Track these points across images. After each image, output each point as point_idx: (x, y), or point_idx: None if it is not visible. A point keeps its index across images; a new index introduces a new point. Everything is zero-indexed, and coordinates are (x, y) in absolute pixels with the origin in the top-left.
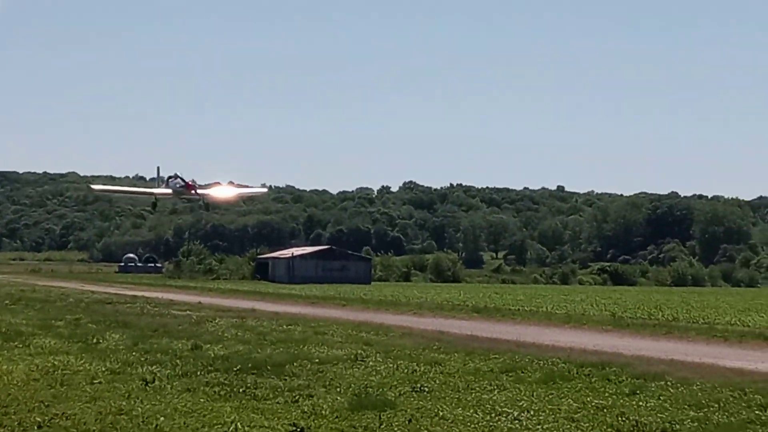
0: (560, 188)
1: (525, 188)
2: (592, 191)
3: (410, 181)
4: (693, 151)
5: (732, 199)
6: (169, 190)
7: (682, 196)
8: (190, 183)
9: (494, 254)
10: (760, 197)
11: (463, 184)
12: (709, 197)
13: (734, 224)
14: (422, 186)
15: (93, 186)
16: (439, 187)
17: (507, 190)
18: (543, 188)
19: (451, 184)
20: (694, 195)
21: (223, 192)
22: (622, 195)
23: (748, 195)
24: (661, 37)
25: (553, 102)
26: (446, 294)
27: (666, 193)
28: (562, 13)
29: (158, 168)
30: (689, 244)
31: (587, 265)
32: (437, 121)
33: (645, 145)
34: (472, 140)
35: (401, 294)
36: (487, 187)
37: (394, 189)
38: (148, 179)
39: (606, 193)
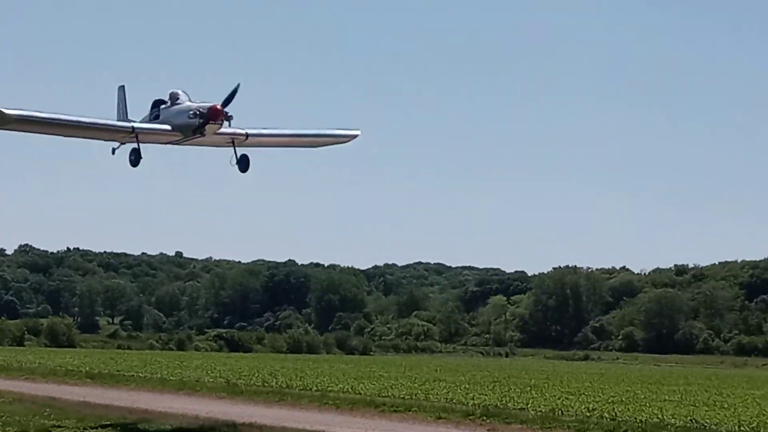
0: (179, 254)
1: (143, 253)
2: (210, 258)
3: (26, 244)
4: (308, 221)
5: (347, 267)
6: (167, 126)
7: (299, 264)
8: (217, 106)
9: (110, 319)
10: (375, 266)
11: (81, 248)
12: (326, 265)
13: (349, 292)
14: (38, 249)
15: (7, 111)
16: (55, 251)
17: (125, 255)
18: (161, 254)
19: (68, 248)
20: (311, 263)
21: (286, 132)
22: (240, 262)
23: (363, 264)
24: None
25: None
26: (60, 359)
27: (283, 261)
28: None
29: (122, 87)
30: (305, 312)
31: (204, 331)
32: (47, 185)
33: (262, 214)
34: (85, 203)
35: (13, 359)
36: (105, 252)
37: (9, 252)
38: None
39: (224, 260)
